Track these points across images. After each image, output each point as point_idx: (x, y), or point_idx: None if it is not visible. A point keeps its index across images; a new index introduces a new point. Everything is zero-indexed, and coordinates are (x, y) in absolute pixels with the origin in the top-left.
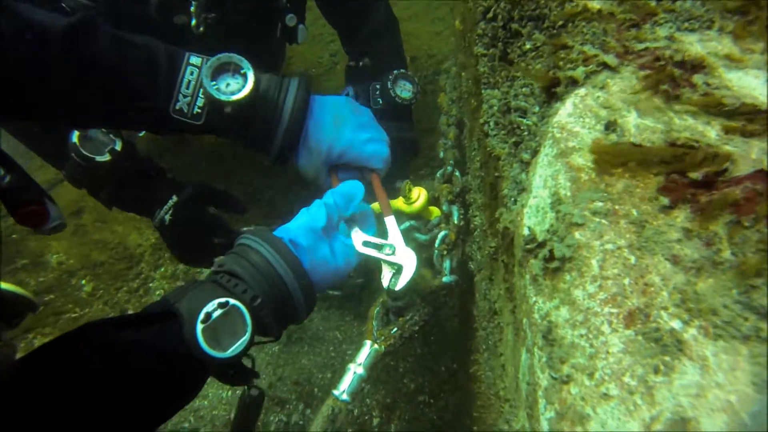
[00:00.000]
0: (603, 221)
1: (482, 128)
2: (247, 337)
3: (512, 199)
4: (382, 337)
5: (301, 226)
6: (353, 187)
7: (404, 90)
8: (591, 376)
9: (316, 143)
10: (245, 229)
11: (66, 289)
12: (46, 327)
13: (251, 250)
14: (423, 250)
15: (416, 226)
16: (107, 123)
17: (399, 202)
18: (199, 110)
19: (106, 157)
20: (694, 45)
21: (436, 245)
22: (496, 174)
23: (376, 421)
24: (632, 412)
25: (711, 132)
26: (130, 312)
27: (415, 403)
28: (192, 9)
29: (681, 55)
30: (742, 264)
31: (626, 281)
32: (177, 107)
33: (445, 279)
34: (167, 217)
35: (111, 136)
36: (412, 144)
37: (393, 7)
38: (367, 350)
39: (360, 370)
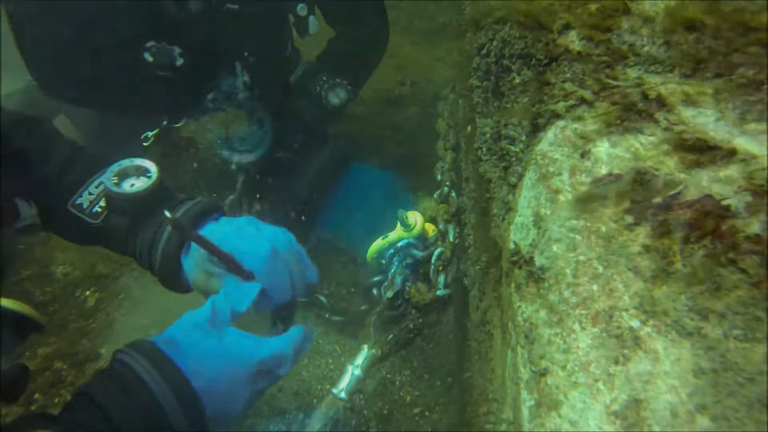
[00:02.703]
0: (577, 237)
1: (476, 153)
2: None
3: (501, 217)
4: (379, 343)
5: (178, 324)
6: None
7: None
8: (564, 368)
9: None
10: None
11: (70, 300)
12: (51, 337)
13: (117, 363)
14: (420, 266)
15: (413, 243)
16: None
17: (400, 231)
18: (99, 210)
19: None
20: (658, 86)
21: (433, 261)
22: (488, 195)
23: (372, 431)
24: (596, 396)
25: (670, 162)
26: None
27: (410, 414)
28: None
29: (647, 94)
30: (690, 274)
31: (594, 287)
32: (77, 202)
33: (438, 292)
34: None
35: None
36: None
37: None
38: (364, 353)
39: (357, 371)
